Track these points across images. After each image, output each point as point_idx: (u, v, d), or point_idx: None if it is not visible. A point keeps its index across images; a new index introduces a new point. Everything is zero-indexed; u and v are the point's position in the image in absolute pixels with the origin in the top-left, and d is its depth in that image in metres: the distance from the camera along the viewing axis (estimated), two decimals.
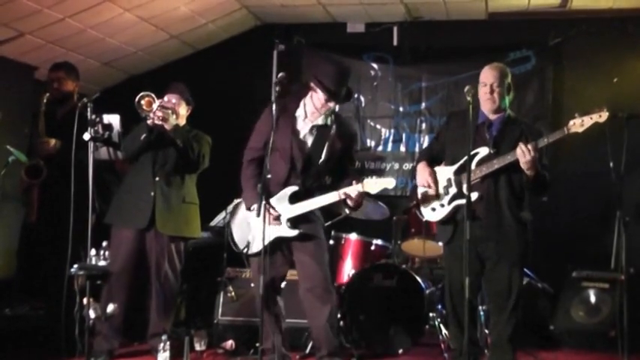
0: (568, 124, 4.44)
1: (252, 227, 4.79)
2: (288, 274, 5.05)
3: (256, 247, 4.69)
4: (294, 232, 4.71)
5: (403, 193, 7.33)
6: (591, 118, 4.39)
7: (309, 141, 4.79)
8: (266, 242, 4.65)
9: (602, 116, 4.37)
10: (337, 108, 4.88)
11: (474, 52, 7.14)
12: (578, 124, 4.41)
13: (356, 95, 7.56)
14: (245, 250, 4.81)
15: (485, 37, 7.23)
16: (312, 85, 4.71)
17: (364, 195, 4.63)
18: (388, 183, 4.61)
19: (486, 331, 5.31)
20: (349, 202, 4.64)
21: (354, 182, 4.60)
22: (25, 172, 5.67)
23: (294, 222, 4.72)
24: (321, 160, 4.78)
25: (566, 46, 7.09)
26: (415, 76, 7.50)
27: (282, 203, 4.72)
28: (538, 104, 6.88)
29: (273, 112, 4.53)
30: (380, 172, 7.45)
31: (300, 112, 4.79)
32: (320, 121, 4.80)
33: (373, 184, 4.56)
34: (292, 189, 4.72)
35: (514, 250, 4.66)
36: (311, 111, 4.76)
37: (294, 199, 4.71)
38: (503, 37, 7.22)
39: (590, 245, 6.44)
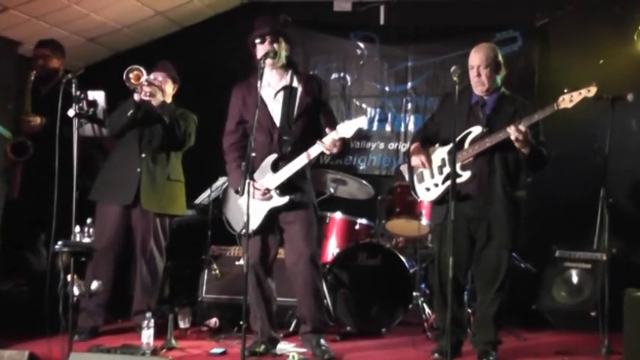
0: (558, 100, 4.48)
1: (244, 208, 4.75)
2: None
3: (252, 225, 4.63)
4: (285, 199, 4.68)
5: (388, 172, 7.33)
6: (580, 94, 4.42)
7: (277, 107, 4.77)
8: (261, 219, 4.68)
9: (591, 91, 4.41)
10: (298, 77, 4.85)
11: (461, 32, 7.11)
12: (568, 100, 4.45)
13: (342, 74, 7.55)
14: (243, 231, 4.73)
15: (472, 18, 7.19)
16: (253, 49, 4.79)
17: (342, 141, 4.58)
18: (361, 122, 4.58)
19: (469, 311, 5.35)
20: (330, 151, 4.60)
21: (327, 131, 4.57)
22: (11, 149, 5.63)
23: (282, 189, 4.69)
24: (293, 121, 4.75)
25: (553, 27, 7.08)
26: (401, 56, 7.47)
27: (265, 174, 4.71)
28: (524, 85, 6.86)
29: (259, 89, 4.53)
30: (365, 152, 7.44)
31: (261, 83, 4.69)
32: (282, 83, 4.79)
33: (347, 128, 4.52)
34: (271, 158, 4.71)
35: (504, 232, 4.69)
36: (268, 75, 4.73)
37: (275, 167, 4.70)
38: (490, 18, 7.19)
39: (574, 226, 6.48)
